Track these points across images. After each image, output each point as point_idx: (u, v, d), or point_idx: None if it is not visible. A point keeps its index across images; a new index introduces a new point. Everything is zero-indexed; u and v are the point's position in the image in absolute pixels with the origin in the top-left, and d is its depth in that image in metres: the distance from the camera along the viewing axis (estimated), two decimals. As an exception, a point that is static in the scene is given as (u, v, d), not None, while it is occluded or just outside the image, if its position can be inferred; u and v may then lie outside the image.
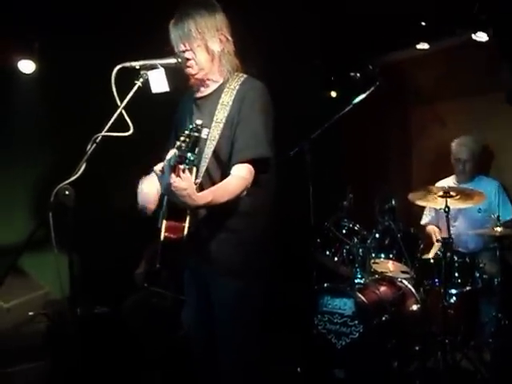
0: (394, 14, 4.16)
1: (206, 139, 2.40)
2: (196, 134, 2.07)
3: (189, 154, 2.04)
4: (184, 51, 2.41)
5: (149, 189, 2.46)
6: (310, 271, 3.80)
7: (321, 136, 3.97)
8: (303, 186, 3.92)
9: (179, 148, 2.04)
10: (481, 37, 4.06)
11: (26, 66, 3.92)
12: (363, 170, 4.94)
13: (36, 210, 3.91)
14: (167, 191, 2.16)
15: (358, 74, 4.54)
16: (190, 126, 2.09)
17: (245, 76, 2.50)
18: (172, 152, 2.11)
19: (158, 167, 2.29)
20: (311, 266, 3.83)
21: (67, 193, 2.26)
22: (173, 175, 2.09)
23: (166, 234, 2.33)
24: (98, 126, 2.31)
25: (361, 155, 5.02)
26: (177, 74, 2.46)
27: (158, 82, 2.43)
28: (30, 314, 3.55)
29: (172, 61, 2.43)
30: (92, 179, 2.37)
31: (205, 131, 2.40)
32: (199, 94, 2.54)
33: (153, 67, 2.40)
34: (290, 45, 4.40)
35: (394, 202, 3.74)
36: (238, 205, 2.39)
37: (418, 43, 4.39)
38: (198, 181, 2.38)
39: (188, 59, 2.42)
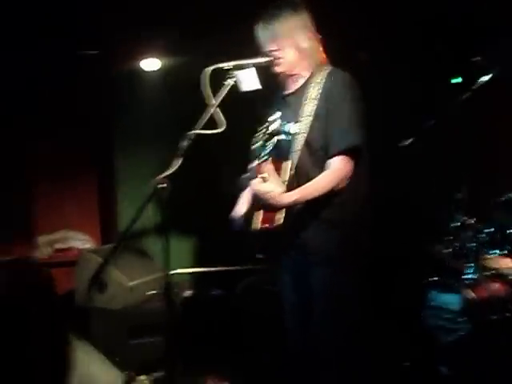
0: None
1: (295, 133, 2.50)
2: (270, 130, 2.24)
3: (262, 152, 2.19)
4: (273, 50, 2.50)
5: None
6: (421, 264, 3.74)
7: (438, 125, 3.85)
8: (418, 178, 3.85)
9: (255, 144, 2.24)
10: None
11: (152, 64, 4.25)
12: (481, 161, 4.67)
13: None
14: (255, 197, 2.41)
15: (481, 59, 4.29)
16: (265, 124, 2.23)
17: (330, 68, 2.58)
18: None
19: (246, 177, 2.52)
20: (423, 259, 3.76)
21: (163, 185, 2.49)
22: (255, 181, 2.24)
23: (262, 224, 2.48)
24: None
25: (480, 144, 4.75)
26: (264, 72, 2.57)
27: (249, 80, 2.54)
28: (152, 292, 3.88)
29: (263, 60, 2.55)
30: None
31: (296, 126, 2.51)
32: (287, 91, 2.66)
33: (244, 67, 2.53)
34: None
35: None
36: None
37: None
38: (292, 172, 2.49)
39: (278, 58, 2.51)
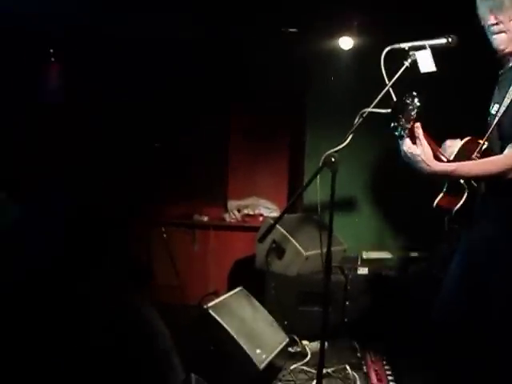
0: None
1: (494, 115, 2.40)
2: (407, 101, 2.20)
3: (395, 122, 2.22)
4: (493, 24, 2.33)
5: None
6: None
7: None
8: None
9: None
10: None
11: (346, 43, 4.35)
12: None
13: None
14: (405, 157, 2.29)
15: None
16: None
17: None
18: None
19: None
20: None
21: (333, 159, 2.61)
22: (407, 141, 2.24)
23: (439, 204, 2.52)
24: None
25: None
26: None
27: (426, 62, 2.50)
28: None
29: (442, 41, 2.49)
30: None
31: (495, 107, 2.41)
32: (501, 71, 2.48)
33: (421, 48, 2.49)
34: None
35: None
36: None
37: None
38: (478, 155, 2.41)
39: (499, 32, 2.33)
